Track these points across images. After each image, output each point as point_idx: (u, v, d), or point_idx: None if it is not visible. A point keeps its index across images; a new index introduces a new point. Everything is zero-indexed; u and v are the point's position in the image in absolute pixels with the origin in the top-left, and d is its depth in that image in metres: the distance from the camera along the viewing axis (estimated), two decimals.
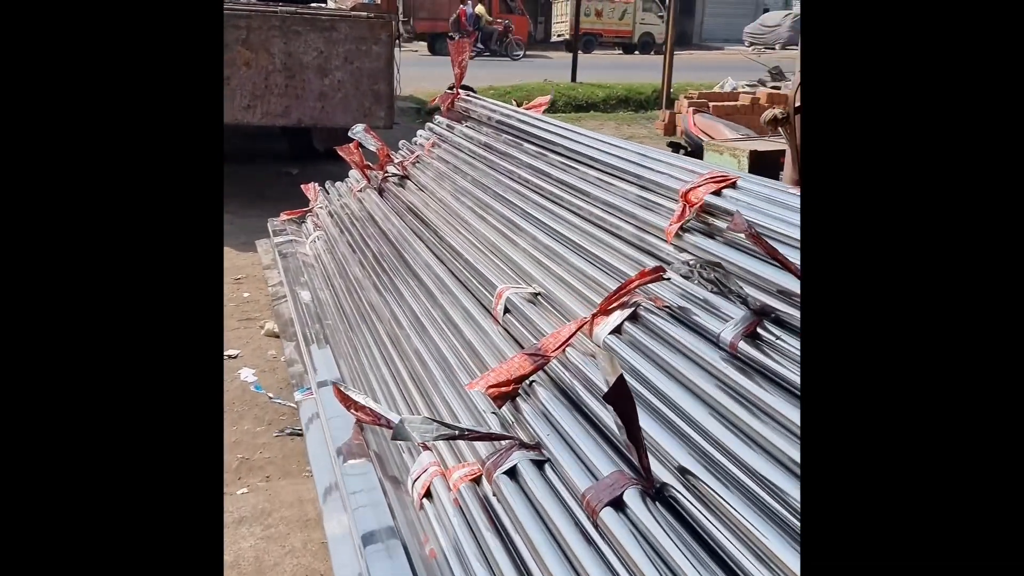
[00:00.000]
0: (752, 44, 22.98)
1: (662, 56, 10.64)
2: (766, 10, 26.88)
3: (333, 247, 3.55)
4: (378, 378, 2.36)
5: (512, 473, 1.54)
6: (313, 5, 5.47)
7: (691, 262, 1.66)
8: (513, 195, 2.79)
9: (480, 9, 19.72)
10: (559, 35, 23.33)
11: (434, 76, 13.31)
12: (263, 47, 4.86)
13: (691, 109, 5.79)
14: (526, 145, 3.08)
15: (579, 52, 14.01)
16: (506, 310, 2.13)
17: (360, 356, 2.56)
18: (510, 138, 3.27)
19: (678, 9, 10.78)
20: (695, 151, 5.29)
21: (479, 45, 18.81)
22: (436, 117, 4.22)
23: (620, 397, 1.21)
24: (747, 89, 8.85)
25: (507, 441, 1.60)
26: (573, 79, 13.00)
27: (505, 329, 2.11)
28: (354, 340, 2.68)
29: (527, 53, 20.60)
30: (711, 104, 7.70)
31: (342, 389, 1.97)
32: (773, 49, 21.70)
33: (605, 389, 1.24)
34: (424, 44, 20.63)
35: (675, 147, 5.84)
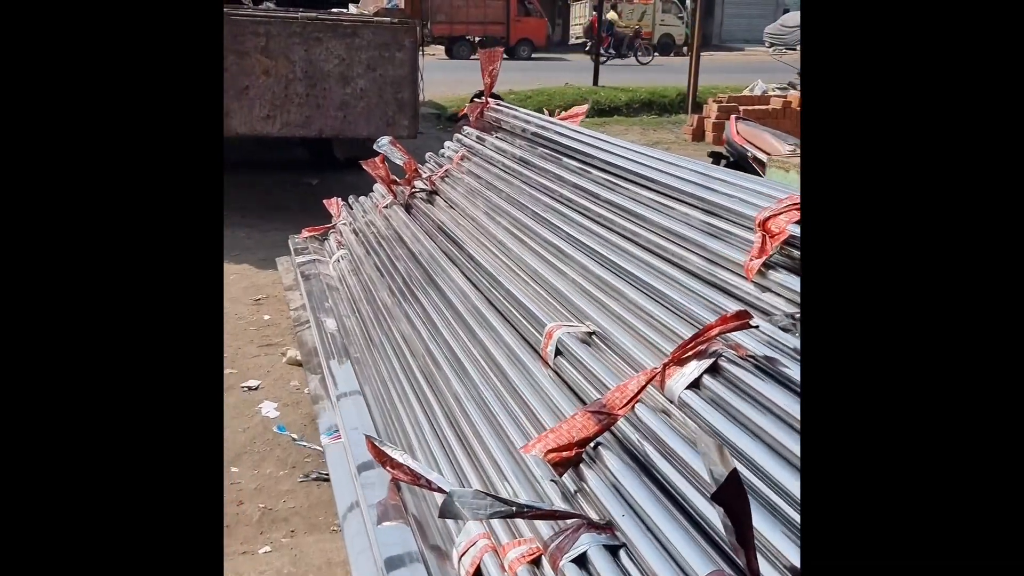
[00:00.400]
0: (772, 45, 22.63)
1: (683, 58, 10.39)
2: (786, 10, 26.49)
3: (359, 268, 3.34)
4: (413, 423, 2.14)
5: (581, 561, 1.32)
6: (335, 11, 5.27)
7: (796, 315, 1.43)
8: (555, 216, 2.57)
9: (612, 16, 20.95)
10: (577, 37, 23.13)
11: (452, 81, 13.13)
12: (283, 55, 4.66)
13: (733, 117, 5.53)
14: (566, 160, 2.86)
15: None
16: (557, 351, 1.90)
17: (392, 395, 2.35)
18: (547, 151, 3.05)
19: (703, 11, 10.54)
20: (738, 161, 5.03)
21: (611, 50, 19.98)
22: (464, 128, 4.00)
23: (732, 496, 0.99)
24: (778, 92, 8.58)
25: (573, 520, 1.38)
26: (595, 82, 12.76)
27: (556, 373, 1.89)
28: (384, 376, 2.47)
29: (544, 56, 20.41)
30: (742, 108, 7.45)
31: (376, 443, 1.76)
32: (794, 50, 21.35)
33: (712, 484, 1.01)
34: (441, 48, 20.49)
35: (716, 157, 5.58)
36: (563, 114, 3.53)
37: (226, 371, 2.99)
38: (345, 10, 5.43)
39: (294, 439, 2.50)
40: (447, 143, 4.05)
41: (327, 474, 2.28)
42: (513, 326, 2.17)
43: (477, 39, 27.09)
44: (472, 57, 24.75)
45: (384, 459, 1.75)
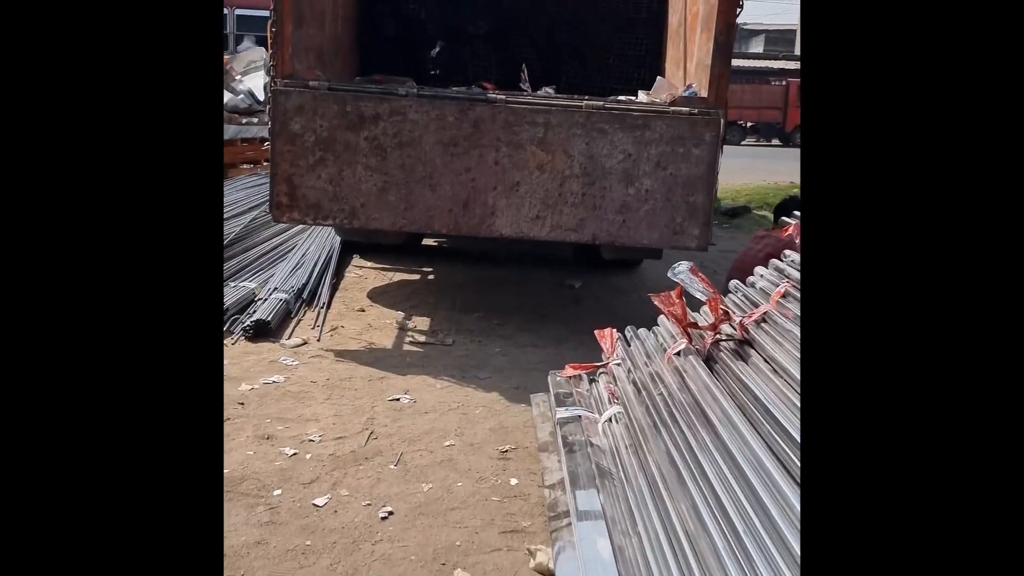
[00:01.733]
0: None
1: None
2: None
3: (640, 444, 2.48)
4: None
5: None
6: (622, 99, 4.62)
7: None
8: None
9: None
10: None
11: (736, 169, 12.17)
12: (561, 148, 4.04)
13: None
14: None
15: None
16: None
17: None
18: None
19: None
20: None
21: None
22: (786, 253, 3.06)
23: None
24: None
25: None
26: None
27: None
28: None
29: None
30: None
31: None
32: None
33: None
34: None
35: None
36: None
37: (456, 573, 2.24)
38: (634, 97, 4.75)
39: None
40: (759, 271, 3.13)
41: None
42: None
43: (749, 124, 26.08)
44: (743, 143, 23.68)
45: None
